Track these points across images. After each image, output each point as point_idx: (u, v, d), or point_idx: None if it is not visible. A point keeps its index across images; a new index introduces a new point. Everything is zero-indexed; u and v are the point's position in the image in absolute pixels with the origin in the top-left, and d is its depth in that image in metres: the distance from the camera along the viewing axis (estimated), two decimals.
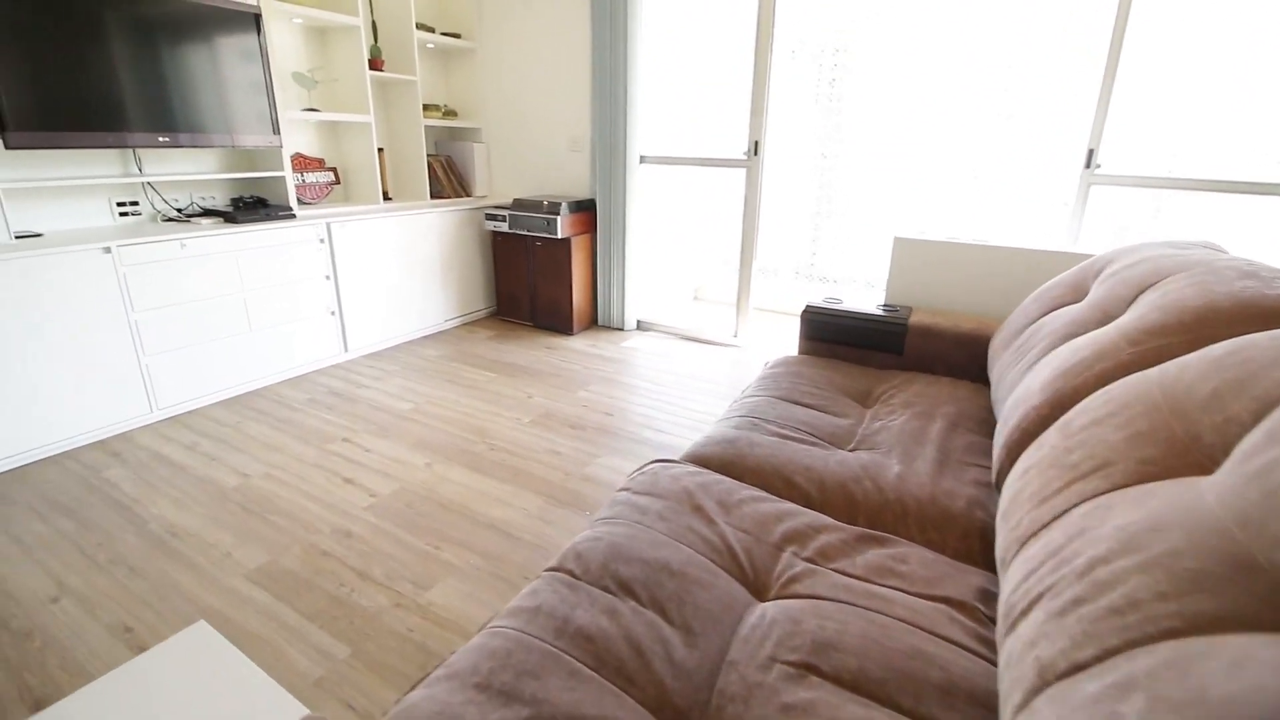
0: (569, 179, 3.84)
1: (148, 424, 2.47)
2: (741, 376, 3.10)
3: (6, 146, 2.14)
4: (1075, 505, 0.82)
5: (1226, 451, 0.71)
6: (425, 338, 3.61)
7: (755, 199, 3.28)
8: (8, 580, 1.61)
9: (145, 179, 2.59)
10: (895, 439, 1.54)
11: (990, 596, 1.04)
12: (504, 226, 3.65)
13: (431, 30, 3.62)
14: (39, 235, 2.35)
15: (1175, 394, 0.83)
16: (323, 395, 2.79)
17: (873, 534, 1.19)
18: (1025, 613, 0.73)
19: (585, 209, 3.62)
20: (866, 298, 2.22)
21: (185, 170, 2.82)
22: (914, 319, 2.00)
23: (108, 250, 2.27)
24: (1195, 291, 1.11)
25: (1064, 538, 0.77)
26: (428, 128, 3.87)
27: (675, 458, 1.47)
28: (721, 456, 1.45)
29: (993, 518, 1.25)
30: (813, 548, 1.13)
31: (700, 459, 1.45)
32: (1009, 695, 0.67)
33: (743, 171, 3.30)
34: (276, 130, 2.85)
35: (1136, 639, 0.57)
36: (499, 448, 2.34)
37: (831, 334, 2.10)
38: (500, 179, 4.13)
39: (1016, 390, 1.32)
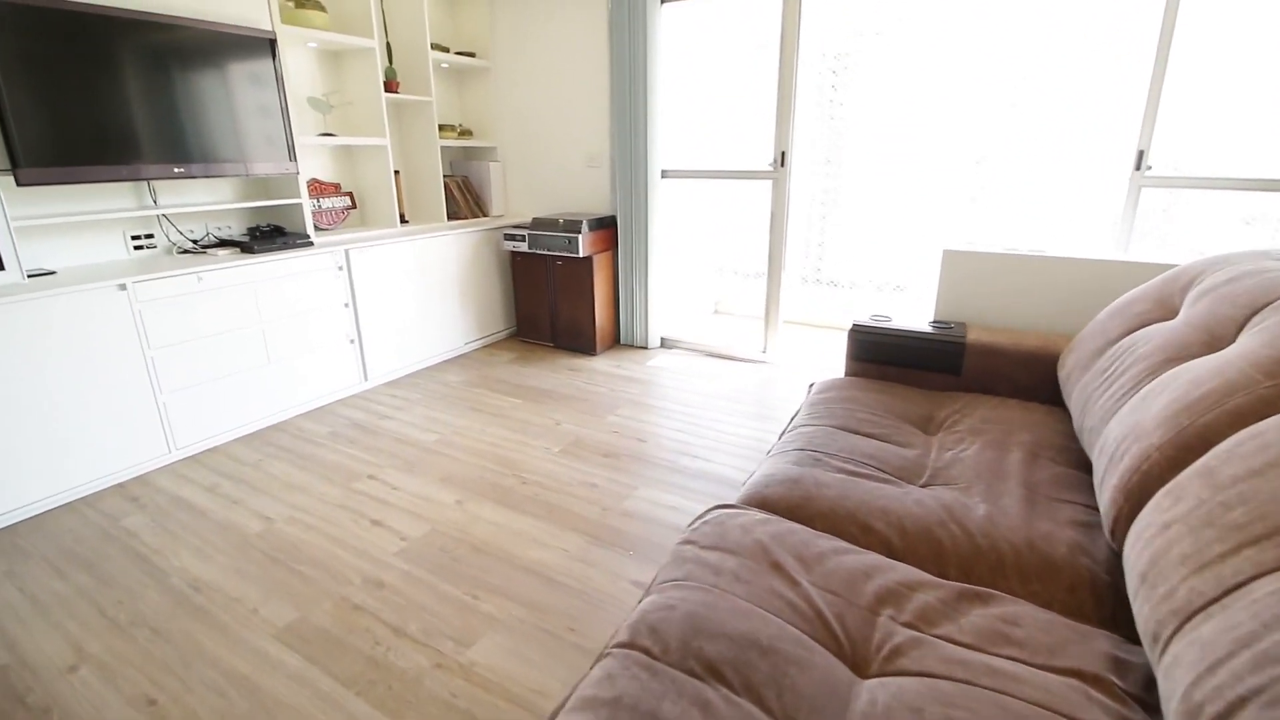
0: (587, 196, 3.76)
1: (166, 465, 2.38)
2: (774, 395, 2.98)
3: (18, 184, 2.07)
4: (1255, 578, 0.69)
5: None
6: (445, 362, 3.52)
7: (783, 211, 3.18)
8: (24, 646, 1.52)
9: (160, 211, 2.52)
10: (972, 472, 1.42)
11: (1123, 666, 0.91)
12: (523, 246, 3.56)
13: (446, 50, 3.56)
14: (52, 273, 2.28)
15: None
16: (344, 428, 2.69)
17: (972, 590, 1.06)
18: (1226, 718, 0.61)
19: (606, 226, 3.52)
20: (915, 314, 2.10)
21: (201, 200, 2.75)
22: (971, 337, 1.88)
23: (123, 287, 2.20)
24: None
25: (1256, 623, 0.64)
26: (443, 148, 3.80)
27: (735, 502, 1.36)
28: (788, 499, 1.33)
29: (1100, 565, 1.12)
30: (910, 610, 1.01)
31: (765, 502, 1.34)
32: None
33: (767, 183, 3.20)
34: (293, 157, 2.78)
35: None
36: (531, 481, 2.23)
37: (882, 354, 1.99)
38: (516, 198, 4.05)
39: (1117, 422, 1.20)
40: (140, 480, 2.28)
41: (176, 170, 2.44)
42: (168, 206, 2.59)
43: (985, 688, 0.85)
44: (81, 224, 2.42)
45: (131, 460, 2.29)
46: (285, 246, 2.73)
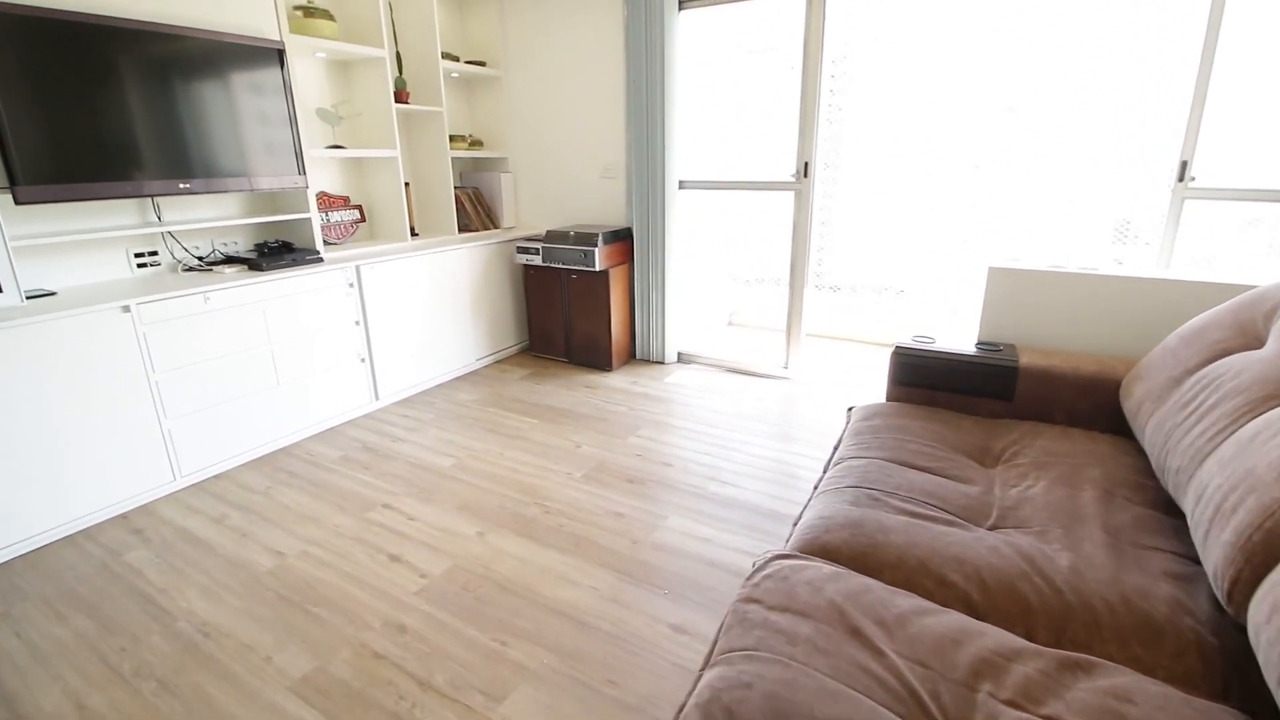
0: (601, 207, 3.66)
1: (171, 493, 2.28)
2: (799, 415, 2.87)
3: (17, 202, 1.98)
4: None
5: None
6: (457, 379, 3.41)
7: (806, 223, 3.09)
8: (22, 700, 1.41)
9: (165, 228, 2.42)
10: (1045, 514, 1.32)
11: None
12: (536, 259, 3.47)
13: (456, 59, 3.47)
14: (53, 294, 2.18)
15: None
16: (356, 451, 2.59)
17: (1073, 658, 0.96)
18: None
19: (621, 238, 3.43)
20: (960, 335, 2.00)
21: (206, 216, 2.65)
22: (1025, 361, 1.78)
23: (126, 309, 2.10)
24: None
25: None
26: (453, 159, 3.71)
27: (792, 548, 1.25)
28: (851, 546, 1.23)
29: (1205, 626, 1.02)
30: (1010, 684, 0.91)
31: (826, 549, 1.23)
32: None
33: (789, 194, 3.10)
34: (302, 170, 2.69)
35: None
36: (554, 510, 2.12)
37: (927, 377, 1.88)
38: (528, 209, 3.96)
39: (1217, 465, 1.10)
40: (144, 510, 2.17)
41: (182, 186, 2.34)
42: (172, 223, 2.50)
43: None
44: (83, 243, 2.32)
45: (134, 489, 2.18)
46: (295, 263, 2.63)
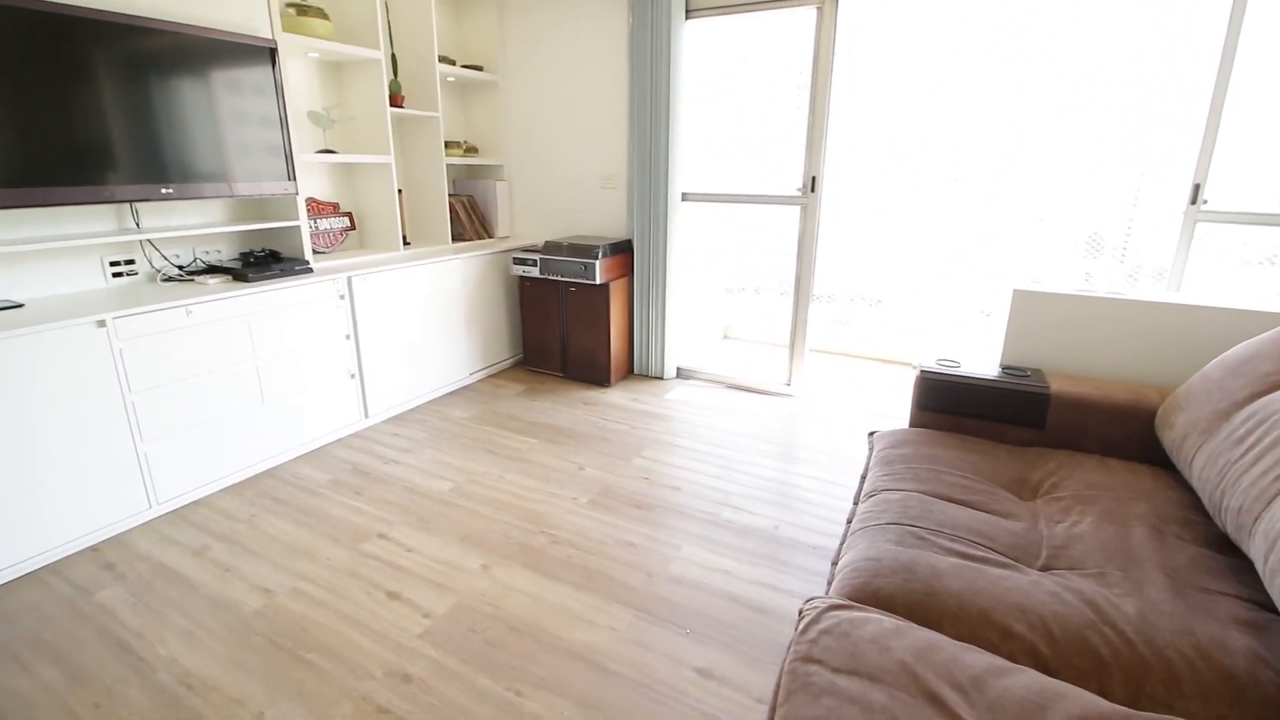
0: (600, 218, 3.57)
1: (146, 522, 2.12)
2: (806, 434, 2.81)
3: None
4: None
5: None
6: (449, 395, 3.28)
7: (812, 238, 3.03)
8: None
9: (144, 236, 2.27)
10: (1099, 554, 1.26)
11: None
12: (534, 271, 3.36)
13: (453, 63, 3.36)
14: (19, 306, 2.02)
15: None
16: (346, 474, 2.45)
17: None
18: None
19: (622, 251, 3.34)
20: (983, 358, 1.95)
21: (188, 223, 2.50)
22: (1056, 387, 1.73)
23: (102, 324, 1.94)
24: None
25: None
26: (447, 166, 3.59)
27: (845, 598, 1.17)
28: (906, 593, 1.15)
29: None
30: None
31: (879, 597, 1.15)
32: None
33: (795, 208, 3.05)
34: (293, 176, 2.55)
35: None
36: (562, 540, 2.02)
37: (953, 403, 1.83)
38: (523, 219, 3.85)
39: None
40: (117, 542, 2.01)
41: (164, 191, 2.19)
42: (151, 230, 2.34)
43: None
44: (54, 250, 2.16)
45: (106, 518, 2.02)
46: (283, 274, 2.49)
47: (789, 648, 1.05)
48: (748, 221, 4.33)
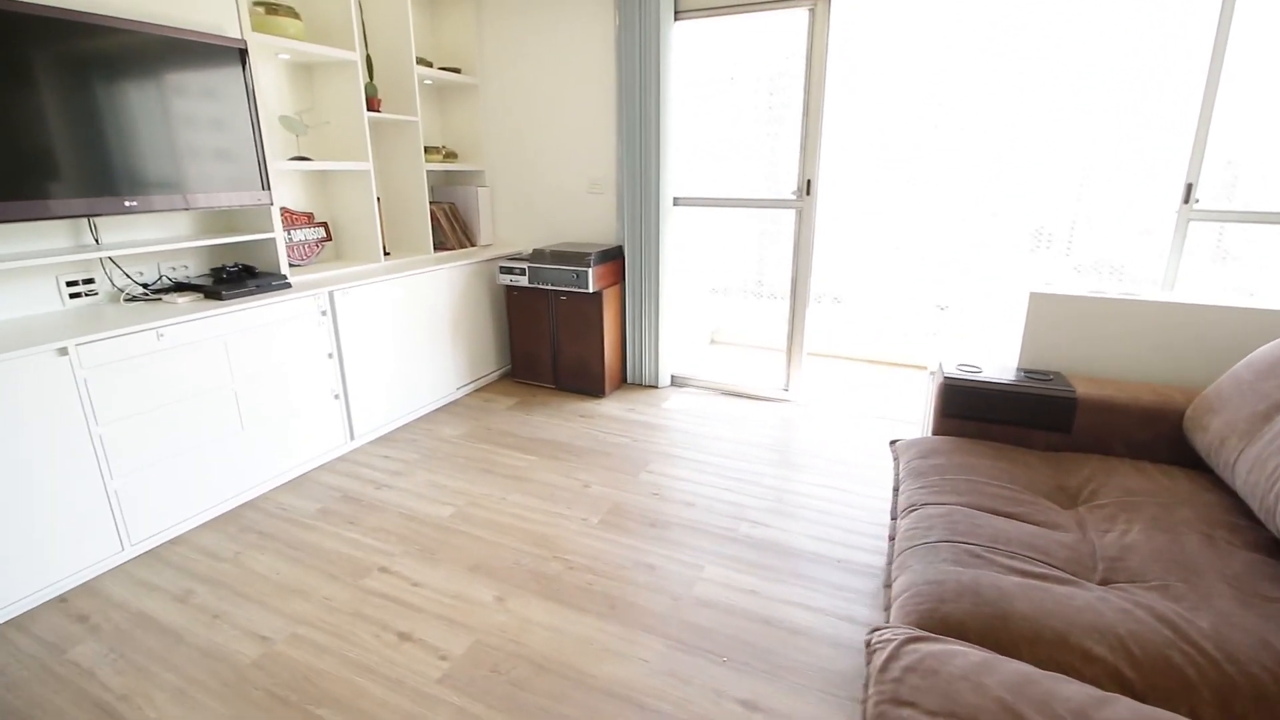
0: (587, 224, 3.48)
1: (119, 565, 1.94)
2: (811, 441, 2.77)
3: None
4: None
5: None
6: (437, 411, 3.14)
7: (808, 241, 3.00)
8: None
9: (103, 253, 2.07)
10: (1157, 565, 1.23)
11: None
12: (522, 280, 3.24)
13: (430, 65, 3.22)
14: None
15: None
16: (335, 502, 2.30)
17: None
18: None
19: (613, 258, 3.25)
20: (1002, 361, 1.93)
21: (151, 238, 2.31)
22: (1083, 391, 1.71)
23: (64, 351, 1.76)
24: None
25: None
26: (426, 173, 3.44)
27: (913, 626, 1.11)
28: (978, 619, 1.09)
29: None
30: None
31: (949, 624, 1.10)
32: None
33: (789, 211, 3.02)
34: (267, 185, 2.39)
35: None
36: (578, 565, 1.92)
37: (977, 409, 1.80)
38: (506, 226, 3.72)
39: None
40: (87, 590, 1.83)
41: (128, 204, 2.01)
42: (112, 246, 2.15)
43: None
44: (3, 272, 1.96)
45: (75, 564, 1.84)
46: (260, 290, 2.33)
47: (868, 686, 0.98)
48: (737, 224, 4.29)
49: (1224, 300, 1.78)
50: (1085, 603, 1.13)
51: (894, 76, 3.60)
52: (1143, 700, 0.98)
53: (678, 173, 3.20)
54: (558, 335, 3.32)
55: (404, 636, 1.63)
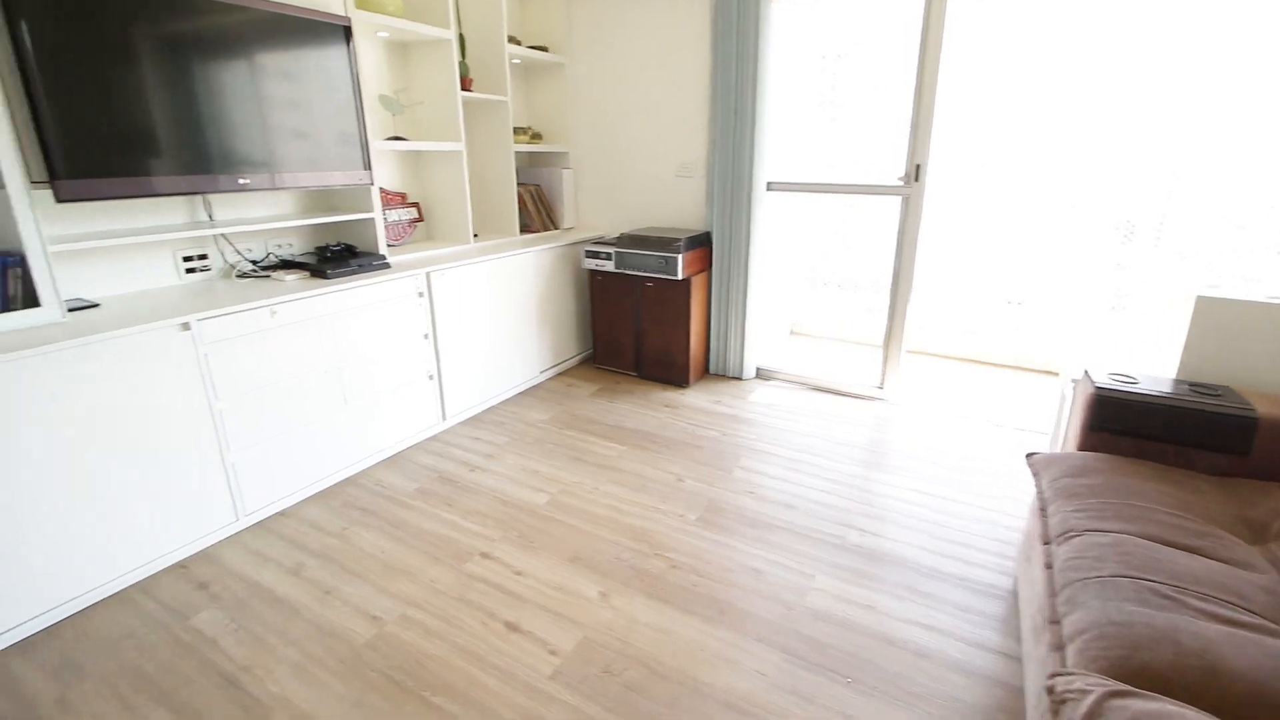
0: (673, 209, 3.38)
1: (233, 535, 2.00)
2: (913, 444, 2.61)
3: (58, 199, 1.67)
4: None
5: None
6: (522, 394, 3.13)
7: (914, 231, 2.82)
8: None
9: (217, 230, 2.12)
10: None
11: None
12: (608, 265, 3.18)
13: (518, 43, 3.17)
14: (95, 305, 1.89)
15: None
16: (431, 482, 2.31)
17: None
18: None
19: (700, 244, 3.15)
20: (1160, 374, 1.75)
21: (259, 216, 2.35)
22: (1265, 411, 1.52)
23: (186, 326, 1.80)
24: None
25: None
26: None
27: (1105, 675, 0.99)
28: (1181, 672, 0.97)
29: None
30: None
31: (1147, 674, 0.97)
32: None
33: (896, 199, 2.84)
34: (368, 164, 2.39)
35: None
36: (680, 564, 1.86)
37: (1131, 424, 1.62)
38: (588, 209, 3.66)
39: None
40: (205, 557, 1.89)
41: (241, 181, 2.04)
42: (224, 224, 2.19)
43: None
44: (125, 246, 2.02)
45: (192, 532, 1.90)
46: (362, 270, 2.34)
47: None
48: (832, 213, 4.11)
49: None
50: None
51: (996, 63, 3.33)
52: None
53: (772, 157, 3.06)
54: (641, 322, 3.25)
55: (511, 627, 1.61)
